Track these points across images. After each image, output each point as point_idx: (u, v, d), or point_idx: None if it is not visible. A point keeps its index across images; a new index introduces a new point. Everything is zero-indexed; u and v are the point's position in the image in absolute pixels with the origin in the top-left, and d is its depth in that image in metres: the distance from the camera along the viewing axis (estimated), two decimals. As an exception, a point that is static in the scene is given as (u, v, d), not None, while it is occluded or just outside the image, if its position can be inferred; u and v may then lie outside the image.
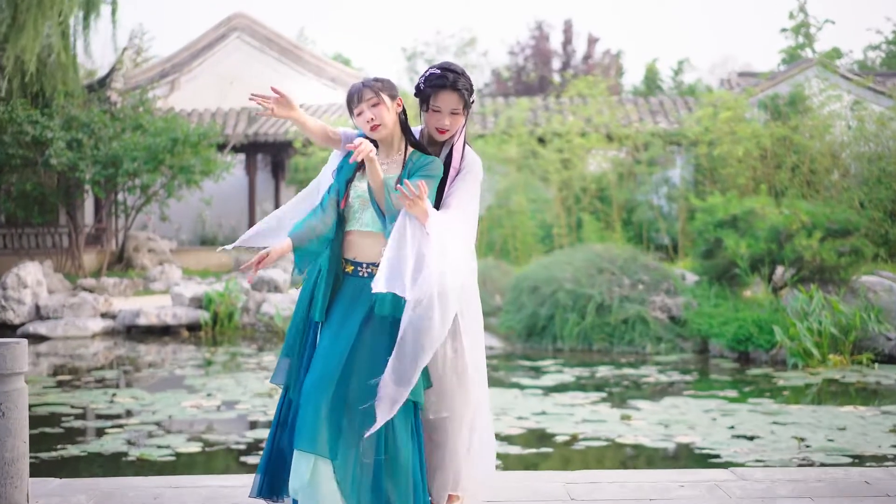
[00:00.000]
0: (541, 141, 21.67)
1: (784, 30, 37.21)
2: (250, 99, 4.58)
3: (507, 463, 8.05)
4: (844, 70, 23.32)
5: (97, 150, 20.39)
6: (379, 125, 4.37)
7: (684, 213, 20.20)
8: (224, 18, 27.57)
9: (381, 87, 4.41)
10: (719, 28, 67.97)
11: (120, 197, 22.94)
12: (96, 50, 48.28)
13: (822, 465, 7.84)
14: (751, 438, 8.85)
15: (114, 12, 21.32)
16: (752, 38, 64.67)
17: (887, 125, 19.37)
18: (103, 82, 22.66)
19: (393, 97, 4.44)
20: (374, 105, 4.36)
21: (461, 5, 67.09)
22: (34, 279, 17.78)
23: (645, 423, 9.59)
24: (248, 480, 5.17)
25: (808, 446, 8.49)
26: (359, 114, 4.40)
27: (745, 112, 20.31)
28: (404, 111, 4.51)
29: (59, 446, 8.58)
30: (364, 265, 4.44)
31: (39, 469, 7.90)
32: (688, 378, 12.54)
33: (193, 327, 17.22)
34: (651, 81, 35.12)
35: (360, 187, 4.46)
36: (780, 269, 15.23)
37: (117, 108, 22.01)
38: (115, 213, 23.38)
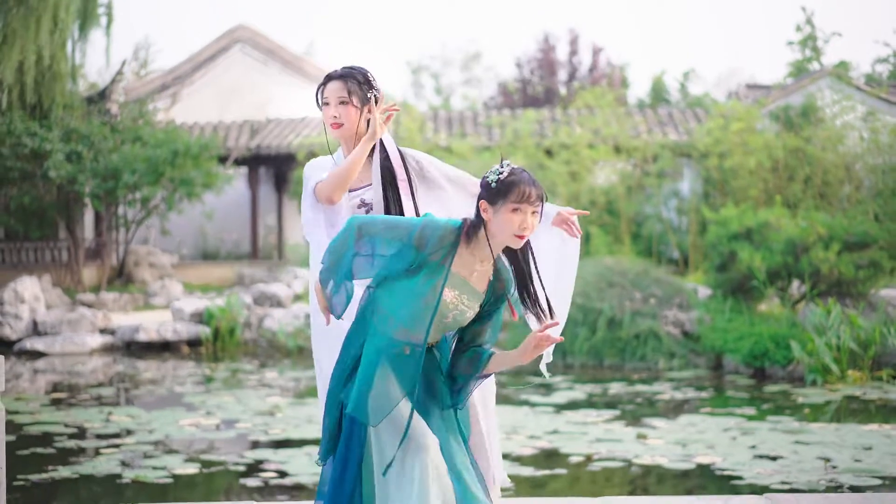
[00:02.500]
0: (548, 153, 21.30)
1: (791, 42, 36.90)
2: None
3: (519, 485, 7.65)
4: (858, 81, 22.95)
5: (97, 162, 20.06)
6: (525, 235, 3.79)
7: (695, 225, 19.82)
8: (226, 30, 27.26)
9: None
10: (725, 41, 67.71)
11: (120, 210, 22.58)
12: (99, 62, 48.08)
13: (853, 487, 7.46)
14: (774, 459, 8.45)
15: (108, 25, 21.05)
16: (758, 51, 64.38)
17: (901, 136, 19.04)
18: (103, 94, 22.32)
19: None
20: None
21: (467, 18, 66.92)
22: (32, 294, 17.43)
23: (662, 443, 9.20)
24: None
25: (834, 467, 8.09)
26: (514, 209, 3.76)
27: (757, 123, 19.96)
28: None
29: (50, 468, 8.20)
30: None
31: (30, 493, 7.53)
32: (703, 395, 12.14)
33: (194, 343, 16.86)
34: (658, 94, 34.77)
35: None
36: (796, 283, 14.84)
37: (117, 120, 21.69)
38: (115, 226, 22.99)
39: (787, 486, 7.47)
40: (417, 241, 3.65)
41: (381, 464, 3.62)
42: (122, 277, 22.23)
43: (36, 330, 17.14)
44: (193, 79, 26.85)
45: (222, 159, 23.17)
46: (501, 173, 3.66)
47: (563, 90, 35.06)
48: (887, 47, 36.54)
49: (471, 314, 3.76)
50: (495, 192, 3.64)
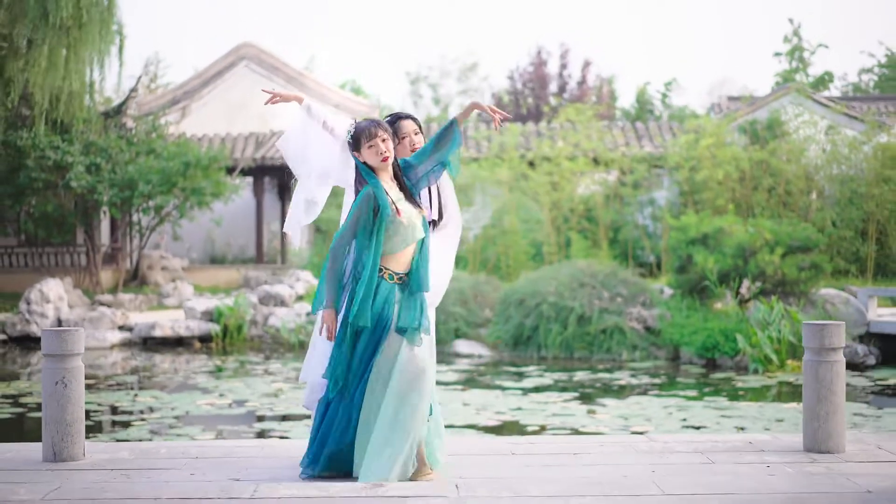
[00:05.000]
0: (531, 165, 22.91)
1: (778, 54, 38.46)
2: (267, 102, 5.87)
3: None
4: (820, 96, 24.53)
5: (114, 173, 21.63)
6: (388, 157, 5.31)
7: (667, 231, 21.40)
8: (233, 48, 28.93)
9: (388, 129, 5.38)
10: (719, 50, 69.30)
11: (135, 218, 24.14)
12: (111, 79, 49.60)
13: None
14: (698, 428, 10.09)
15: (121, 49, 22.45)
16: (751, 61, 66.02)
17: (859, 149, 20.64)
18: (119, 109, 23.90)
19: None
20: (384, 141, 5.31)
21: (465, 31, 68.58)
22: (56, 294, 19.06)
23: (608, 417, 10.83)
24: (256, 442, 6.42)
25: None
26: (370, 146, 5.29)
27: (726, 137, 21.50)
28: None
29: (91, 435, 9.79)
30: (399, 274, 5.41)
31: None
32: (657, 381, 13.77)
33: (205, 339, 18.46)
34: (642, 105, 36.35)
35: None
36: (746, 283, 16.47)
37: (132, 133, 23.24)
38: (130, 233, 24.64)
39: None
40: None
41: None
42: (136, 280, 23.87)
43: (60, 327, 18.75)
44: (202, 93, 28.52)
45: (229, 170, 24.74)
46: (350, 130, 5.40)
47: (553, 102, 36.59)
48: (872, 58, 38.26)
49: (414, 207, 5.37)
50: (353, 144, 5.39)
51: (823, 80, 37.64)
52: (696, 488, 4.90)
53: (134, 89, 24.50)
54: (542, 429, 10.18)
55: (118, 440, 9.60)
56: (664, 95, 36.57)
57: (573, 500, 4.63)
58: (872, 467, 5.42)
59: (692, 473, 5.29)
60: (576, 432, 9.98)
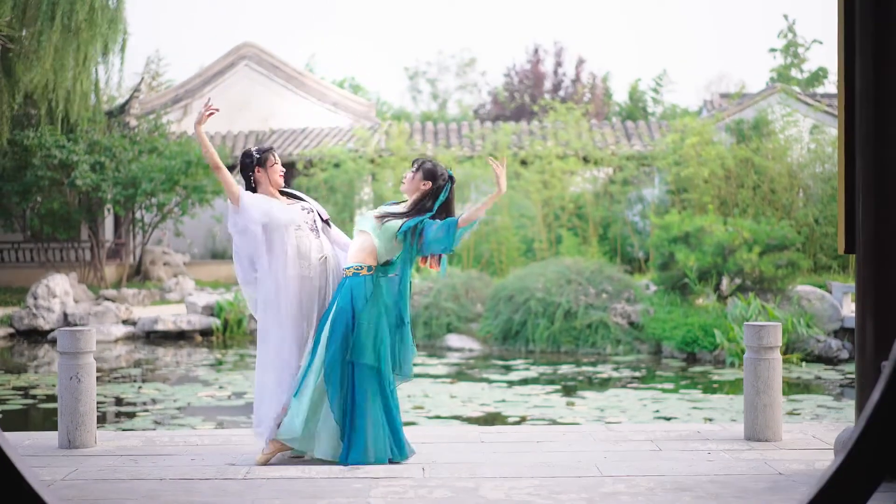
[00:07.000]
0: (523, 163, 23.55)
1: (773, 49, 38.97)
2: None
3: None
4: (805, 96, 25.10)
5: (118, 172, 22.27)
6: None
7: (655, 229, 22.03)
8: (233, 47, 29.58)
9: None
10: (720, 46, 69.85)
11: (138, 215, 24.77)
12: (113, 77, 50.06)
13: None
14: (668, 419, 10.73)
15: (123, 48, 23.05)
16: (750, 56, 66.62)
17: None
18: (123, 109, 24.52)
19: None
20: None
21: (463, 27, 69.13)
22: (62, 289, 19.71)
23: (585, 408, 11.48)
24: (252, 432, 7.08)
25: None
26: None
27: (713, 136, 22.12)
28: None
29: (98, 425, 10.42)
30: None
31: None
32: (637, 374, 14.42)
33: (206, 332, 19.12)
34: (634, 102, 36.93)
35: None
36: (725, 280, 17.12)
37: (135, 132, 23.87)
38: (133, 229, 25.29)
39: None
40: None
41: None
42: (139, 275, 24.54)
43: (66, 321, 19.40)
44: (203, 92, 29.16)
45: (230, 168, 25.30)
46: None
47: (544, 100, 37.18)
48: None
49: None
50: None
51: (818, 76, 38.16)
52: (633, 470, 5.57)
53: (137, 88, 25.15)
54: (522, 419, 10.82)
55: (124, 430, 10.26)
56: (655, 91, 37.10)
57: (522, 480, 5.30)
58: (799, 454, 6.08)
59: (637, 459, 5.95)
60: (553, 423, 10.62)
